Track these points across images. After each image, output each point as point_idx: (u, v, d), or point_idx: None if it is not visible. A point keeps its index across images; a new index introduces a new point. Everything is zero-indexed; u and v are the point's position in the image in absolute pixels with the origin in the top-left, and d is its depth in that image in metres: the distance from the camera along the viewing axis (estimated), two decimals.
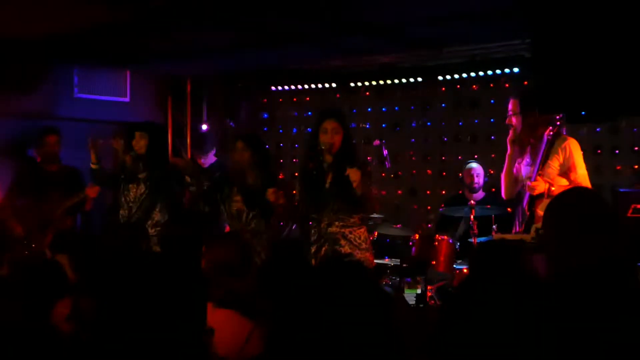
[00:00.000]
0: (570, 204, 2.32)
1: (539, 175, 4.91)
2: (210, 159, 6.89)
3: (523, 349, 1.56)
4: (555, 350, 1.61)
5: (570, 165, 4.95)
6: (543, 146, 4.95)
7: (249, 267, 3.24)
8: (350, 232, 4.80)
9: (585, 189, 4.15)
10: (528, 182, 4.96)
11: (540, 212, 4.86)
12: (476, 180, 6.60)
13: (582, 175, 4.99)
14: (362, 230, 4.87)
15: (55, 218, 6.19)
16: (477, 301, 1.63)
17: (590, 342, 1.87)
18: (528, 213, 5.06)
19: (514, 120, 5.16)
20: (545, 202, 4.84)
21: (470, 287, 1.71)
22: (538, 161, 4.97)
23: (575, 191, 2.92)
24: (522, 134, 5.11)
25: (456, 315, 1.64)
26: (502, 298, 1.61)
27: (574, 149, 4.97)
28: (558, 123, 4.92)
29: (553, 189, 4.87)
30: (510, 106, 5.21)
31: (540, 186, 4.90)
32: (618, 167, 6.68)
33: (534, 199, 4.98)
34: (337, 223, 4.81)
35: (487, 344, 1.57)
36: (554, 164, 4.95)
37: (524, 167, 5.15)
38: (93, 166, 6.13)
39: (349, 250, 4.72)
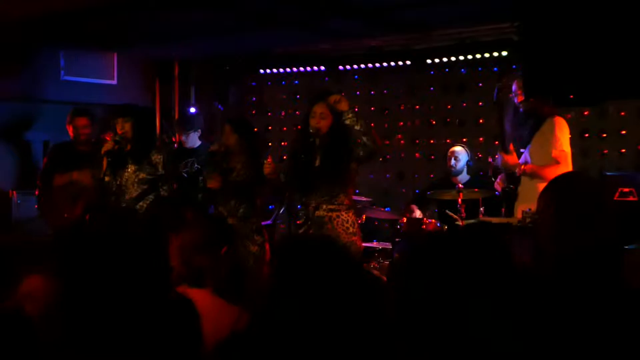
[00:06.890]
0: (570, 189, 2.27)
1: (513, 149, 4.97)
2: (193, 140, 6.81)
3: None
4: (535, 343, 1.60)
5: (552, 141, 4.92)
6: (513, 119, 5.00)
7: (221, 246, 3.20)
8: (338, 216, 4.81)
9: (584, 174, 4.13)
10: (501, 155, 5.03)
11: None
12: (452, 162, 6.58)
13: (563, 153, 4.93)
14: (350, 214, 4.87)
15: (86, 190, 6.21)
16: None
17: (583, 332, 1.86)
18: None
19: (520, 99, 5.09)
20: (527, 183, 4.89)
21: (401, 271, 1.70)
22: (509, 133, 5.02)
23: (575, 176, 2.89)
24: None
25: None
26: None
27: (559, 127, 4.95)
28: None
29: (523, 167, 4.93)
30: (515, 86, 5.15)
31: (512, 160, 5.00)
32: (605, 151, 6.70)
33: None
34: (324, 206, 4.82)
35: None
36: (537, 143, 4.96)
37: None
38: None
39: (334, 235, 4.65)
